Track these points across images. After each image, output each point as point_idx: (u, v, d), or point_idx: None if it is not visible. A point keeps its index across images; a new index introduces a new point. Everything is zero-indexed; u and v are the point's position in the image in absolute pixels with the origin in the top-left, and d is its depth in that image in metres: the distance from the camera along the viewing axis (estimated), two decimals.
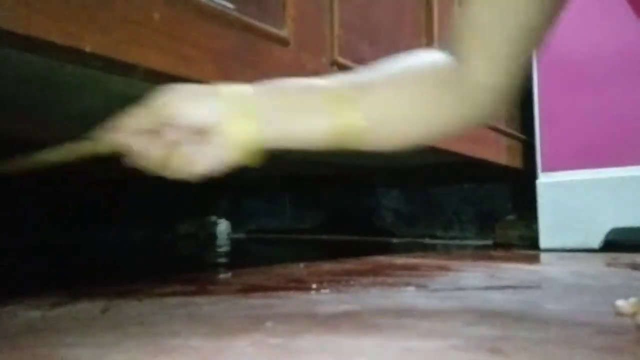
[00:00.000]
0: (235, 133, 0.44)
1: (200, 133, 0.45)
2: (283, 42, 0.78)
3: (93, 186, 1.67)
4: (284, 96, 0.46)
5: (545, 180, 1.46)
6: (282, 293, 0.69)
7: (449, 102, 0.48)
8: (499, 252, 1.40)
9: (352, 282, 0.77)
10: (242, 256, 1.56)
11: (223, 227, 2.24)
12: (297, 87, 0.47)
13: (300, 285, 0.76)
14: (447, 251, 1.51)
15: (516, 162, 1.54)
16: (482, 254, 1.38)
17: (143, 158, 0.46)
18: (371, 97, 0.47)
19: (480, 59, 0.47)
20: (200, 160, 0.45)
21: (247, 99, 0.45)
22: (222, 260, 1.40)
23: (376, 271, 0.93)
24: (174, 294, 0.68)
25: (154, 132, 0.45)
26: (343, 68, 0.88)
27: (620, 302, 0.53)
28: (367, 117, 0.46)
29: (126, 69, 0.60)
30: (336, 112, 0.45)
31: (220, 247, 1.82)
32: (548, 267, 1.09)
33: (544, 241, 1.44)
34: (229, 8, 0.69)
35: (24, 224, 1.62)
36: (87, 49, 0.55)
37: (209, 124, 0.44)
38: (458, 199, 1.91)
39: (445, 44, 0.50)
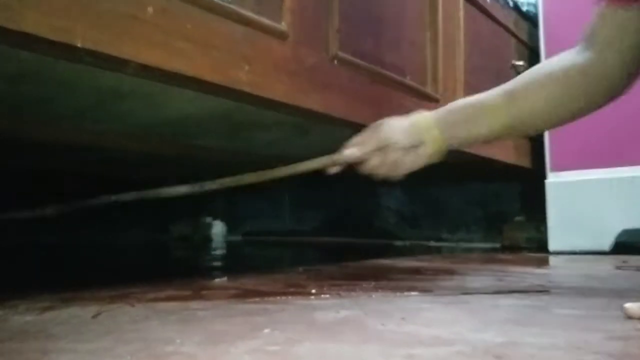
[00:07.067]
0: (430, 145, 0.68)
1: (406, 148, 0.68)
2: (281, 35, 0.76)
3: (84, 187, 1.66)
4: (455, 114, 0.68)
5: (554, 180, 1.44)
6: (280, 298, 0.67)
7: (580, 91, 0.64)
8: (507, 255, 1.40)
9: (353, 287, 0.76)
10: (238, 259, 1.54)
11: (218, 228, 2.21)
12: (462, 105, 0.69)
13: (299, 290, 0.74)
14: (452, 254, 1.50)
15: (524, 161, 1.52)
16: (489, 257, 1.37)
17: (368, 167, 0.70)
18: (514, 102, 0.66)
19: (614, 52, 0.62)
20: (403, 165, 0.69)
21: (435, 121, 0.68)
22: (218, 263, 1.38)
23: (378, 275, 0.92)
24: (167, 298, 0.67)
25: (376, 149, 0.69)
26: (344, 62, 0.87)
27: (628, 305, 0.52)
28: (512, 118, 0.66)
29: (118, 64, 0.58)
30: (492, 119, 0.67)
31: (215, 249, 1.80)
32: (557, 271, 1.09)
33: (553, 243, 1.43)
34: (225, 0, 0.68)
35: (14, 223, 1.62)
36: (79, 44, 0.54)
37: (411, 143, 0.68)
38: (464, 200, 1.88)
39: (581, 40, 0.65)
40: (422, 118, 0.69)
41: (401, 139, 0.68)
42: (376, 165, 0.70)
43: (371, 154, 0.69)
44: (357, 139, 0.71)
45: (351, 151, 0.71)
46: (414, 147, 0.68)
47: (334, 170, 0.74)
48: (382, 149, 0.69)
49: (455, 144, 0.69)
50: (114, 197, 0.78)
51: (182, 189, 0.75)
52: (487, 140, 0.70)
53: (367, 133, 0.71)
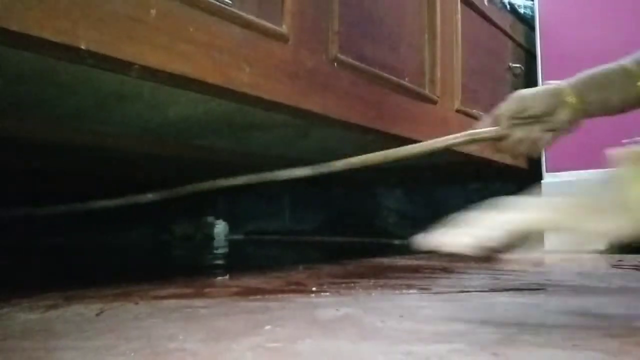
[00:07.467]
0: (568, 110, 0.65)
1: (541, 120, 0.66)
2: (282, 38, 0.76)
3: (88, 187, 1.66)
4: (592, 79, 0.66)
5: (550, 181, 1.44)
6: (281, 296, 0.67)
7: None
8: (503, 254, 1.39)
9: (352, 285, 0.76)
10: (239, 258, 1.54)
11: (220, 228, 2.21)
12: (597, 72, 0.67)
13: (299, 288, 0.75)
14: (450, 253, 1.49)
15: (521, 162, 1.52)
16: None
17: (510, 143, 0.67)
18: None
19: None
20: (544, 137, 0.66)
21: (571, 87, 0.66)
22: (220, 262, 1.38)
23: (378, 273, 0.92)
24: (170, 296, 0.67)
25: (517, 121, 0.66)
26: (344, 65, 0.87)
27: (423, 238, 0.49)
28: None
29: (121, 66, 0.59)
30: (631, 83, 0.65)
31: (217, 248, 1.80)
32: (553, 269, 1.08)
33: (548, 243, 1.42)
34: (227, 3, 0.68)
35: (18, 224, 1.61)
36: (82, 46, 0.54)
37: (549, 109, 0.65)
38: (462, 200, 1.89)
39: None
40: (557, 85, 0.67)
41: (538, 104, 0.65)
42: (519, 140, 0.67)
43: (512, 127, 0.67)
44: (494, 113, 0.69)
45: (492, 127, 0.68)
46: (551, 115, 0.65)
47: (472, 148, 0.71)
48: (522, 120, 0.66)
49: (591, 111, 0.67)
50: (224, 181, 0.75)
51: (303, 171, 0.73)
52: (621, 109, 0.67)
53: (504, 106, 0.68)
